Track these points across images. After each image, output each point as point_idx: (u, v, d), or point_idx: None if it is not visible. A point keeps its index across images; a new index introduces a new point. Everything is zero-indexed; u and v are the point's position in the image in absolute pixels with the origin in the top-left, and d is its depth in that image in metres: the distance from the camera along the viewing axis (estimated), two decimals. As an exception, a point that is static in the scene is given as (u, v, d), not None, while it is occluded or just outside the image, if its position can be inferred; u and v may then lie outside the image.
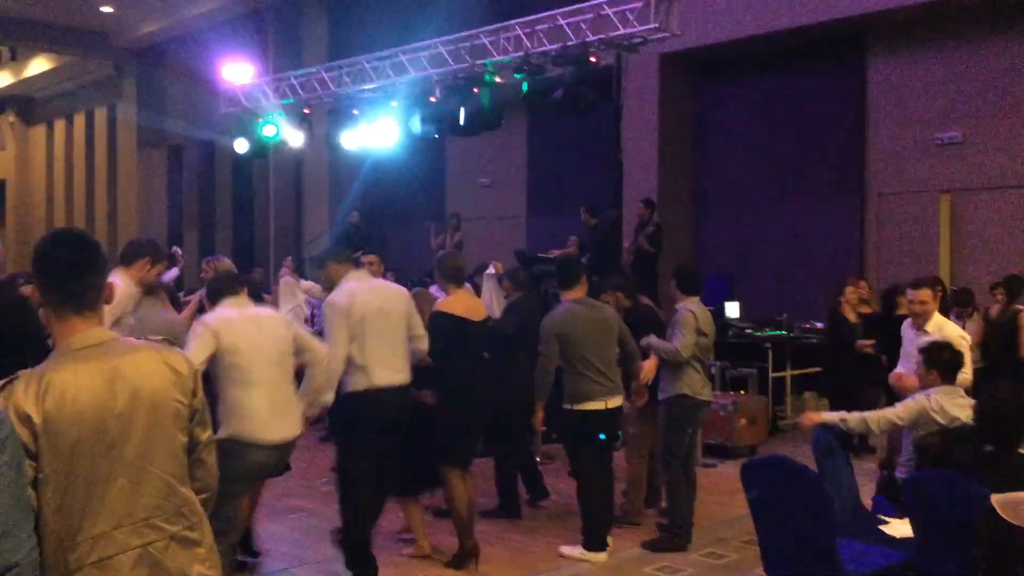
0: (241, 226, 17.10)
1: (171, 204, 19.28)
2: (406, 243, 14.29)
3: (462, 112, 9.66)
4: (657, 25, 8.27)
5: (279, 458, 4.25)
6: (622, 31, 8.50)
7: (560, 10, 9.08)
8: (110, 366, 2.02)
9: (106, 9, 16.95)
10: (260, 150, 12.41)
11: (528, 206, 13.80)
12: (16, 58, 21.07)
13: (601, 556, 5.27)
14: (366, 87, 10.96)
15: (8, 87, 22.22)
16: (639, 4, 8.35)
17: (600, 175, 11.44)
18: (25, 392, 1.92)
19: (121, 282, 4.35)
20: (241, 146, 12.45)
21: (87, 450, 1.95)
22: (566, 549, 5.36)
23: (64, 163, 23.04)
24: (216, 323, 4.09)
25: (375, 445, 4.62)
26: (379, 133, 10.85)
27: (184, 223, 18.74)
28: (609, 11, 8.59)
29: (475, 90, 9.56)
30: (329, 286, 4.89)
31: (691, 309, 5.48)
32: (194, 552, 2.11)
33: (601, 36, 8.64)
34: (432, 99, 10.12)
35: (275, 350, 4.19)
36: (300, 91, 11.74)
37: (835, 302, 7.61)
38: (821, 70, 11.22)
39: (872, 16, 10.09)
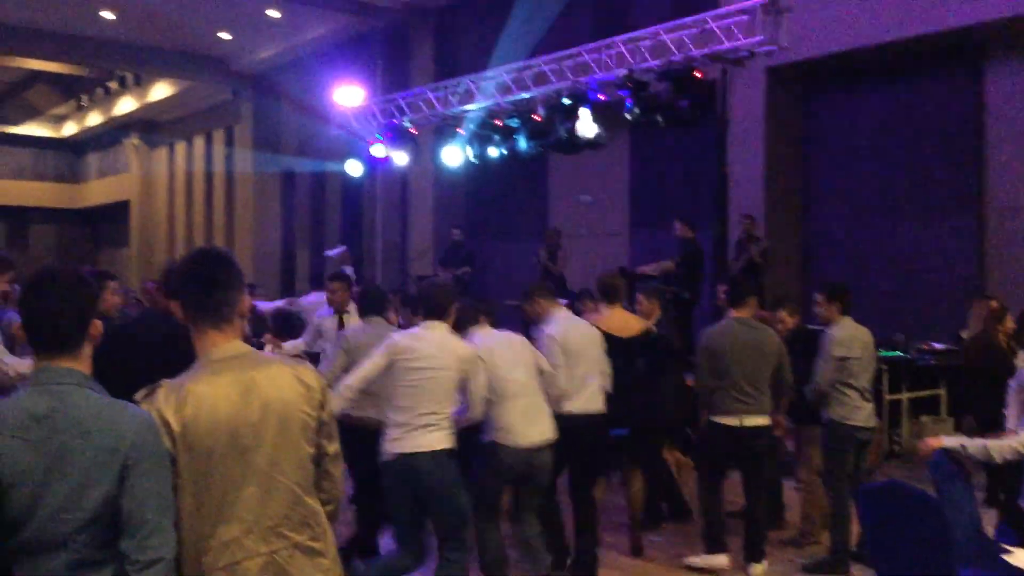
0: (350, 244, 17.56)
1: (284, 222, 19.94)
2: (507, 259, 14.43)
3: (565, 130, 9.73)
4: (764, 38, 8.17)
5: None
6: (727, 45, 8.43)
7: (663, 25, 9.06)
8: (246, 378, 2.13)
9: (224, 36, 17.71)
10: (368, 170, 12.79)
11: (631, 222, 13.74)
12: (140, 84, 22.18)
13: (722, 558, 5.38)
14: (470, 106, 11.15)
15: (133, 112, 23.40)
16: (745, 17, 8.27)
17: (704, 190, 11.32)
18: (166, 401, 2.05)
19: None
20: (351, 167, 12.85)
21: (221, 457, 2.07)
22: (692, 559, 5.49)
23: (184, 184, 24.10)
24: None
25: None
26: (482, 151, 11.02)
27: (296, 241, 19.35)
28: (714, 25, 8.54)
29: (578, 108, 9.62)
30: (535, 318, 5.38)
31: (832, 332, 5.54)
32: (317, 562, 2.20)
33: (706, 51, 8.58)
34: (535, 117, 10.22)
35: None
36: (407, 111, 12.04)
37: (992, 329, 6.83)
38: (936, 81, 10.84)
39: (990, 25, 9.70)
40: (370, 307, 5.26)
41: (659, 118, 8.80)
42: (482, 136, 10.98)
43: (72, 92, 23.40)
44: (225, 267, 2.22)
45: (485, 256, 13.97)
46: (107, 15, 16.34)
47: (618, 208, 13.80)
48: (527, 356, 4.79)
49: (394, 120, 12.20)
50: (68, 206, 28.58)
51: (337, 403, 4.06)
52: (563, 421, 4.82)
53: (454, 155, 11.31)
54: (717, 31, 8.46)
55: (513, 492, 4.86)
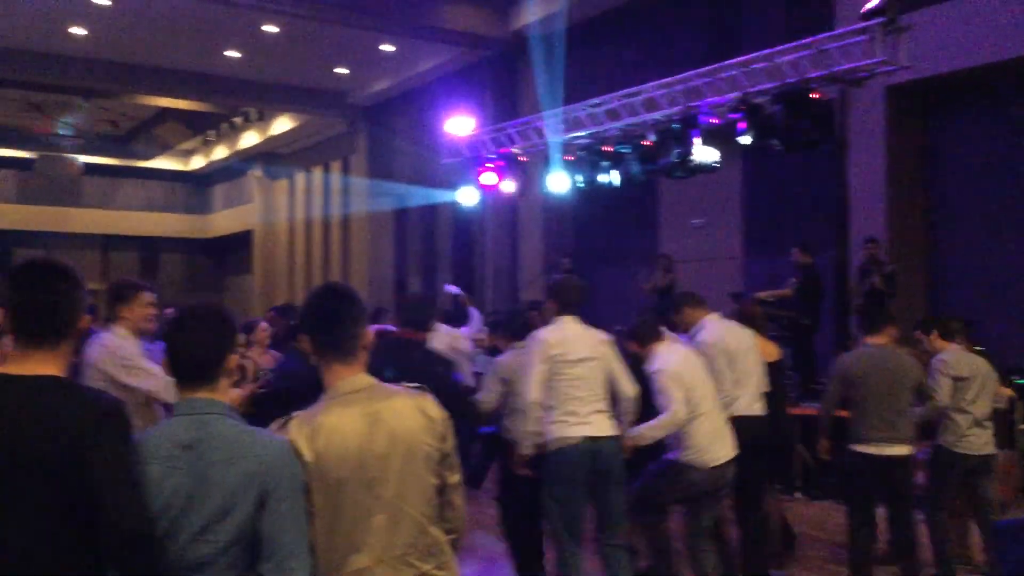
0: (461, 271, 17.80)
1: (397, 250, 20.38)
2: (617, 285, 14.35)
3: (677, 155, 9.65)
4: (884, 59, 7.93)
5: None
6: (845, 66, 8.21)
7: (778, 48, 8.89)
8: (372, 410, 2.20)
9: (341, 71, 18.32)
10: (479, 198, 12.99)
11: (745, 246, 13.49)
12: (263, 118, 23.13)
13: None
14: (580, 133, 11.19)
15: (256, 145, 24.40)
16: (864, 37, 8.04)
17: (822, 214, 11.03)
18: (299, 432, 2.13)
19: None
20: (462, 195, 13.07)
21: (351, 488, 2.13)
22: None
23: (303, 213, 24.93)
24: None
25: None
26: (591, 178, 11.03)
27: (409, 268, 19.75)
28: (831, 46, 8.33)
29: (690, 133, 9.53)
30: (685, 328, 5.41)
31: (940, 356, 5.48)
32: None
33: (822, 72, 8.38)
34: (645, 143, 10.18)
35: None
36: (516, 139, 12.17)
37: None
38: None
39: None
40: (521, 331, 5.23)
41: (775, 142, 8.63)
42: (591, 163, 11.00)
43: (199, 127, 24.57)
44: (348, 302, 2.31)
45: (593, 283, 13.94)
46: (232, 54, 17.14)
47: (731, 232, 13.57)
48: (704, 371, 4.87)
49: (504, 148, 12.35)
50: (196, 236, 29.93)
51: (531, 425, 4.34)
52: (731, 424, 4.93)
53: (560, 182, 11.37)
54: (834, 52, 8.25)
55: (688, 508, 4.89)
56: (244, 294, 28.39)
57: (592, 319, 9.47)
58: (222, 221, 29.38)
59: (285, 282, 25.64)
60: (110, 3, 14.35)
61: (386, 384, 2.32)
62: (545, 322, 4.83)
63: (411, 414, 2.24)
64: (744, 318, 5.81)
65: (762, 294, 9.90)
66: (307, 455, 2.10)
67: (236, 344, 2.16)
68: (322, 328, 2.27)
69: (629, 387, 4.61)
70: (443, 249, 18.80)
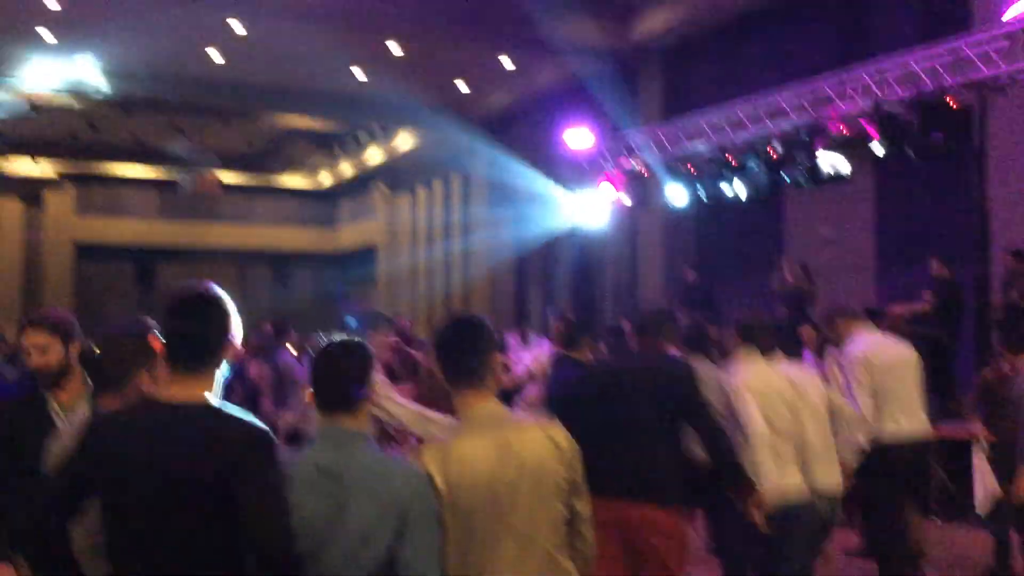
0: (580, 284, 17.79)
1: (516, 263, 20.52)
2: (740, 298, 14.03)
3: (805, 165, 9.41)
4: (1029, 63, 7.53)
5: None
6: (986, 73, 7.82)
7: (912, 53, 8.56)
8: (502, 438, 2.23)
9: (461, 86, 18.64)
10: (598, 211, 12.96)
11: (877, 257, 12.98)
12: (386, 135, 23.74)
13: None
14: (701, 144, 11.04)
15: (379, 161, 25.06)
16: (1005, 43, 7.65)
17: (961, 224, 10.51)
18: (432, 459, 2.18)
19: None
20: (581, 208, 13.08)
21: (481, 516, 2.16)
22: None
23: (425, 226, 25.41)
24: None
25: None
26: (714, 189, 10.86)
27: (529, 280, 19.86)
28: (969, 51, 7.96)
29: (818, 142, 9.27)
30: (838, 341, 5.25)
31: None
32: None
33: (960, 79, 8.01)
34: (772, 153, 9.96)
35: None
36: (636, 151, 12.09)
37: None
38: None
39: None
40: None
41: (910, 151, 8.29)
42: (714, 174, 10.83)
43: (327, 145, 25.43)
44: (477, 331, 2.35)
45: (717, 294, 13.68)
46: (358, 74, 17.68)
47: (863, 242, 13.09)
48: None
49: (624, 160, 12.29)
50: (324, 250, 30.93)
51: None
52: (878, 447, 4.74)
53: (679, 194, 11.24)
54: (974, 57, 7.87)
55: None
56: (370, 306, 29.09)
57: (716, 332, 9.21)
58: (348, 236, 30.24)
59: (408, 294, 26.16)
60: (245, 30, 15.02)
61: (516, 413, 2.35)
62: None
63: (541, 443, 2.25)
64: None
65: (897, 309, 9.50)
66: (439, 483, 2.14)
67: (372, 374, 2.23)
68: (452, 356, 2.32)
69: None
70: (563, 261, 18.82)
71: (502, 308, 20.13)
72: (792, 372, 4.29)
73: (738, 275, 14.75)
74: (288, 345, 8.83)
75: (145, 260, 28.65)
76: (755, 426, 3.91)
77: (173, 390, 2.13)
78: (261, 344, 9.38)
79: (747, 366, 4.16)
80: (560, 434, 2.31)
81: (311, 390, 2.19)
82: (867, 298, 12.12)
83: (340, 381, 2.17)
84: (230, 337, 2.23)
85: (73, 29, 15.07)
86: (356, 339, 2.26)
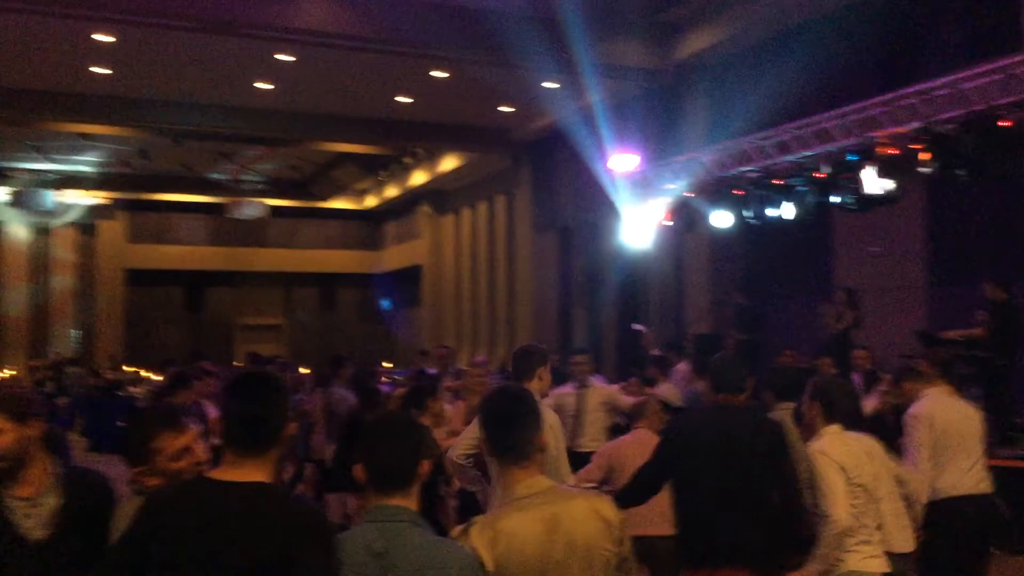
0: (625, 306, 17.69)
1: (562, 284, 20.50)
2: (791, 317, 13.85)
3: (851, 187, 9.28)
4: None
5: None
6: (1039, 92, 7.67)
7: (962, 73, 8.40)
8: (549, 514, 2.21)
9: (505, 109, 18.71)
10: (643, 234, 12.91)
11: (928, 276, 12.73)
12: (430, 157, 23.91)
13: None
14: (747, 167, 10.95)
15: (424, 183, 25.24)
16: (1059, 60, 7.50)
17: (1017, 245, 10.28)
18: (479, 537, 2.17)
19: None
20: (627, 230, 13.03)
21: (532, 594, 2.14)
22: None
23: (469, 247, 25.52)
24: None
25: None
26: (761, 212, 10.75)
27: (573, 302, 19.82)
28: (1020, 70, 7.81)
29: (866, 164, 9.14)
30: (907, 401, 5.31)
31: None
32: None
33: (1012, 99, 7.85)
34: (819, 176, 9.84)
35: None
36: (682, 174, 12.03)
37: None
38: None
39: None
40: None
41: (961, 172, 8.14)
42: (761, 197, 10.73)
43: (372, 168, 25.67)
44: (523, 405, 2.33)
45: (764, 315, 13.52)
46: (402, 99, 17.85)
47: (913, 261, 12.85)
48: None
49: (669, 183, 12.23)
50: (369, 271, 31.21)
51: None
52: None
53: (724, 218, 11.16)
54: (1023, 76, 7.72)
55: None
56: (414, 327, 29.28)
57: (766, 353, 9.11)
58: (393, 256, 30.49)
59: (452, 315, 26.26)
60: (293, 59, 15.25)
61: (563, 487, 2.33)
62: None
63: (588, 518, 2.23)
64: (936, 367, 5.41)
65: (951, 333, 9.30)
66: (488, 562, 2.12)
67: (427, 451, 2.22)
68: (499, 431, 2.30)
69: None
70: (608, 285, 18.74)
71: (546, 330, 20.10)
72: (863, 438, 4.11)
73: (786, 299, 14.56)
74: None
75: (194, 284, 29.16)
76: (838, 512, 3.75)
77: (232, 471, 2.16)
78: (320, 376, 9.49)
79: (831, 439, 3.94)
80: (608, 508, 2.28)
81: (360, 465, 2.17)
82: (917, 316, 11.90)
83: (390, 460, 2.15)
84: (287, 418, 2.24)
85: (126, 64, 15.45)
86: (406, 415, 2.26)
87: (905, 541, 4.25)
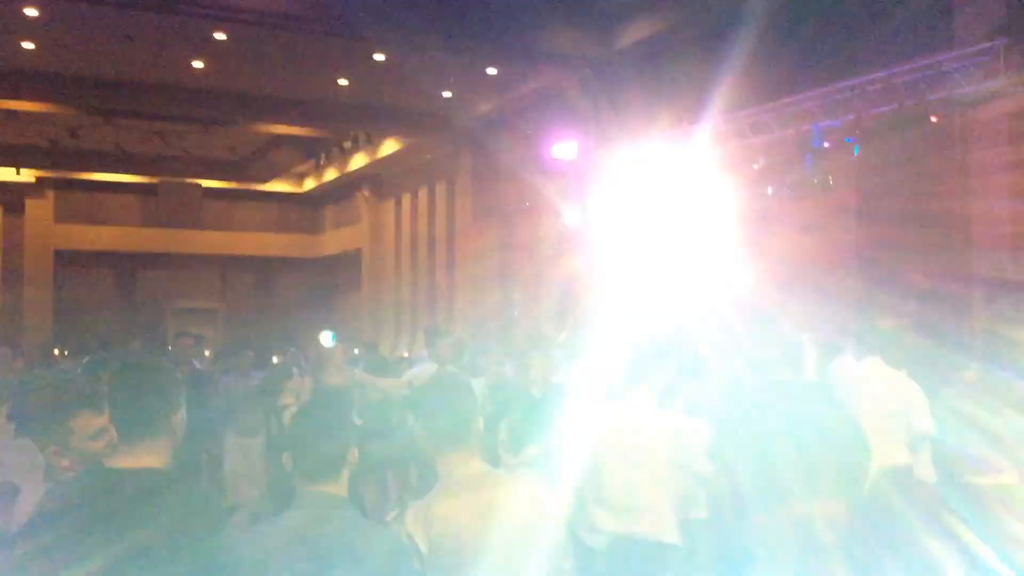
0: (565, 293, 17.76)
1: (501, 270, 20.50)
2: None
3: (787, 179, 9.46)
4: (1008, 81, 7.58)
5: None
6: (967, 89, 7.88)
7: (895, 68, 8.61)
8: (484, 498, 2.20)
9: (446, 94, 18.59)
10: (583, 219, 12.99)
11: (858, 269, 13.01)
12: (371, 142, 23.66)
13: None
14: (688, 157, 11.08)
15: (364, 167, 24.99)
16: (987, 58, 7.71)
17: (942, 236, 10.57)
18: (414, 521, 2.15)
19: None
20: (566, 217, 13.10)
21: (466, 577, 2.13)
22: None
23: (410, 233, 25.38)
24: None
25: None
26: (699, 202, 10.91)
27: (514, 287, 19.85)
28: (951, 67, 8.02)
29: (801, 156, 9.33)
30: None
31: None
32: None
33: (942, 95, 8.07)
34: (755, 167, 10.01)
35: None
36: (624, 161, 12.12)
37: None
38: None
39: None
40: None
41: (891, 164, 8.35)
42: (699, 185, 10.88)
43: (312, 151, 25.32)
44: (460, 392, 2.32)
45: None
46: (342, 82, 17.62)
47: (844, 255, 13.13)
48: None
49: (609, 170, 12.32)
50: (308, 255, 30.83)
51: None
52: None
53: (665, 205, 11.28)
54: (954, 73, 7.93)
55: None
56: (353, 312, 29.04)
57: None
58: (332, 241, 30.18)
59: (392, 300, 26.12)
60: (227, 38, 14.94)
61: (498, 471, 2.33)
62: None
63: (524, 501, 2.23)
64: None
65: (879, 323, 9.54)
66: (422, 546, 2.11)
67: (356, 439, 2.20)
68: (434, 417, 2.29)
69: None
70: (547, 270, 18.81)
71: (486, 315, 20.10)
72: None
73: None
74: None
75: (126, 267, 28.49)
76: None
77: (124, 459, 2.17)
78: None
79: None
80: (543, 491, 2.29)
81: (287, 453, 2.14)
82: (848, 313, 12.17)
83: (323, 447, 2.12)
84: (175, 405, 2.24)
85: (56, 39, 14.97)
86: (334, 400, 2.24)
87: None
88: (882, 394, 5.19)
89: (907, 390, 5.25)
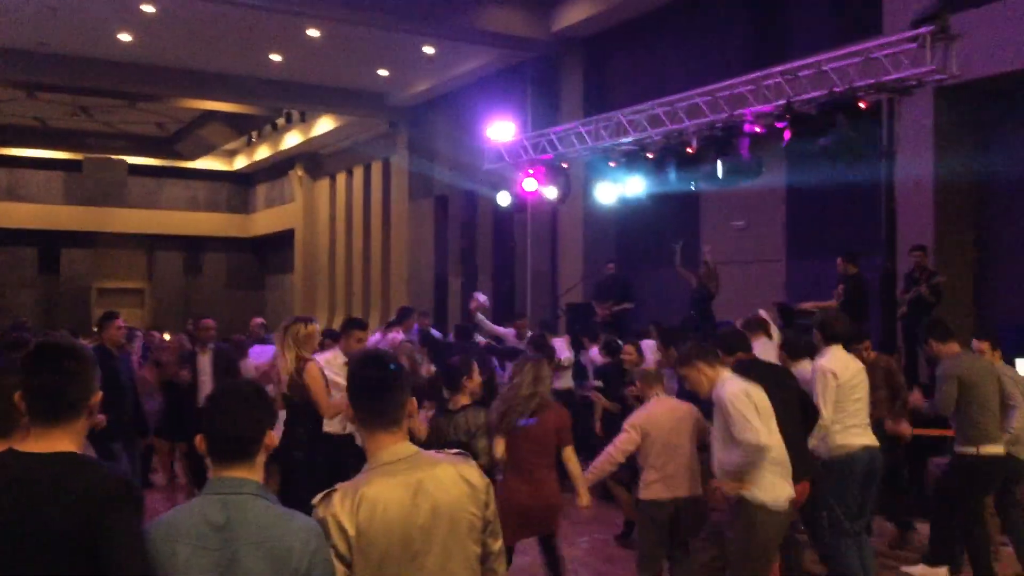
0: (500, 274, 17.80)
1: (437, 251, 20.43)
2: (658, 290, 14.23)
3: (720, 163, 9.55)
4: (934, 67, 7.76)
5: None
6: (894, 75, 8.05)
7: (825, 55, 8.75)
8: (414, 480, 2.17)
9: (382, 72, 18.38)
10: (519, 202, 12.96)
11: (788, 251, 13.30)
12: (304, 119, 23.30)
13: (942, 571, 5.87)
14: (622, 140, 11.11)
15: (297, 145, 24.61)
16: (913, 45, 7.88)
17: (869, 220, 10.83)
18: (341, 505, 2.11)
19: None
20: (503, 199, 13.06)
21: (395, 560, 2.11)
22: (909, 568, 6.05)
23: (344, 212, 25.10)
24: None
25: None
26: (634, 185, 10.96)
27: (449, 268, 19.79)
28: (879, 54, 8.17)
29: (734, 140, 9.42)
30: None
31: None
32: None
33: (870, 81, 8.22)
34: (689, 150, 10.08)
35: None
36: (558, 145, 12.10)
37: None
38: None
39: None
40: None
41: (821, 150, 8.49)
42: (633, 169, 10.92)
43: (243, 128, 24.82)
44: (392, 371, 2.28)
45: (636, 286, 13.83)
46: (275, 58, 17.28)
47: (774, 236, 13.39)
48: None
49: (545, 154, 12.30)
50: (238, 235, 30.27)
51: None
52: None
53: (607, 191, 11.31)
54: (883, 60, 8.09)
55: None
56: (285, 292, 28.65)
57: (636, 321, 9.39)
58: (264, 220, 29.70)
59: (326, 281, 25.84)
60: (155, 10, 14.51)
61: (428, 452, 2.30)
62: None
63: (454, 483, 2.21)
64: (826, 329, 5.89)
65: (807, 305, 9.75)
66: (350, 528, 2.08)
67: (274, 421, 2.15)
68: (366, 397, 2.25)
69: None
70: (483, 252, 18.80)
71: (422, 293, 20.03)
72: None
73: (656, 266, 14.94)
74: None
75: (48, 245, 27.60)
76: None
77: (36, 443, 2.10)
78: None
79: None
80: (474, 472, 2.27)
81: (200, 436, 2.09)
82: (778, 289, 12.43)
83: (233, 428, 2.07)
84: (91, 386, 2.19)
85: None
86: (251, 383, 2.17)
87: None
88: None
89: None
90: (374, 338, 9.37)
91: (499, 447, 4.79)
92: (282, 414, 5.33)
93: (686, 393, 5.32)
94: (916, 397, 6.49)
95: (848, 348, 5.82)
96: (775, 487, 4.40)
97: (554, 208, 14.83)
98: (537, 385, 4.85)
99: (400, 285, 21.25)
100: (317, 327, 5.78)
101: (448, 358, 5.67)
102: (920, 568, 5.98)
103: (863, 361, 6.44)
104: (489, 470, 4.60)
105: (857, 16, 11.39)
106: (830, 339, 5.56)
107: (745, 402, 4.30)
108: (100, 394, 2.19)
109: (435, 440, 4.54)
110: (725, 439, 4.40)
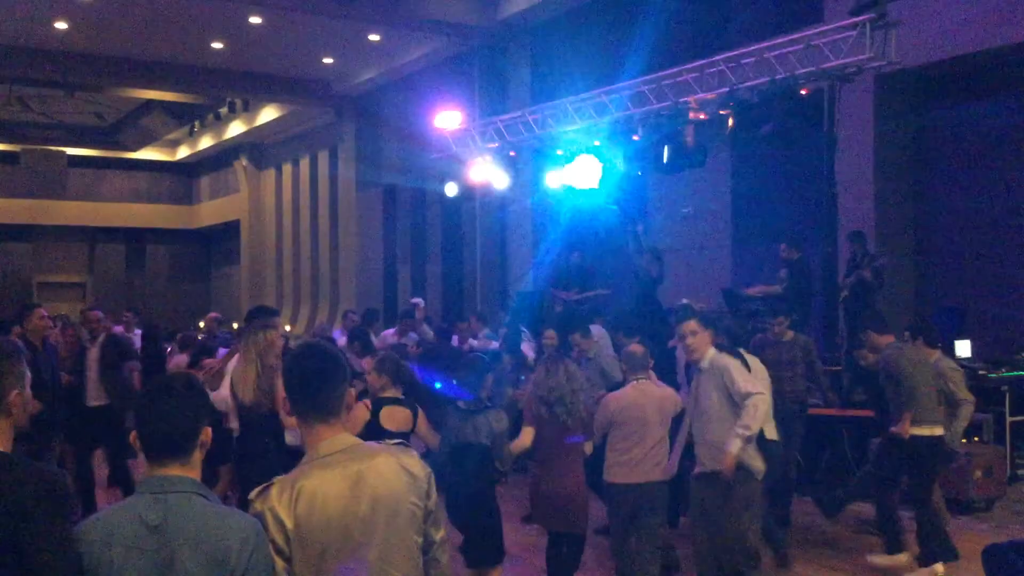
0: (450, 263, 17.74)
1: (386, 241, 20.29)
2: (607, 277, 14.30)
3: (666, 150, 9.62)
4: (873, 54, 7.89)
5: None
6: (835, 62, 8.17)
7: (767, 43, 8.84)
8: (354, 471, 2.15)
9: (327, 60, 18.17)
10: (467, 190, 12.93)
11: (733, 238, 13.45)
12: (249, 109, 22.94)
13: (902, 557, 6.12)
14: (569, 128, 11.12)
15: (242, 135, 24.23)
16: (853, 33, 8.00)
17: (811, 206, 11.00)
18: (279, 498, 2.08)
19: None
20: (451, 189, 13.01)
21: (334, 553, 2.08)
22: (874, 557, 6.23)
23: (291, 203, 24.80)
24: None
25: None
26: (582, 172, 10.97)
27: (398, 258, 19.68)
28: (820, 41, 8.29)
29: (679, 127, 9.49)
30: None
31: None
32: None
33: (811, 68, 8.33)
34: (635, 138, 10.13)
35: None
36: (506, 134, 12.08)
37: None
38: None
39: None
40: None
41: (763, 137, 8.60)
42: (579, 157, 10.94)
43: (185, 118, 24.35)
44: (330, 363, 2.25)
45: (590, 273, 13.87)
46: (217, 46, 16.97)
47: (720, 224, 13.54)
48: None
49: (493, 142, 12.27)
50: (182, 226, 29.75)
51: None
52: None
53: (555, 179, 11.31)
54: (823, 47, 8.20)
55: None
56: (231, 284, 28.26)
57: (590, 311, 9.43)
58: (209, 211, 29.22)
59: (272, 272, 25.53)
60: (92, -3, 14.18)
61: (368, 443, 2.28)
62: None
63: (394, 473, 2.19)
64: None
65: (751, 290, 9.87)
66: (288, 522, 2.05)
67: (209, 416, 2.10)
68: (303, 389, 2.21)
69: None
70: (432, 241, 18.72)
71: (371, 284, 19.90)
72: None
73: (604, 256, 15.00)
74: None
75: (-14, 239, 26.90)
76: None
77: None
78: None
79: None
80: (414, 462, 2.25)
81: (135, 433, 2.04)
82: (724, 275, 12.57)
83: (165, 426, 2.02)
84: (14, 384, 2.16)
85: None
86: (185, 378, 2.12)
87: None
88: None
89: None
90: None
91: (527, 436, 4.95)
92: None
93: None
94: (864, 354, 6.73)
95: (762, 325, 6.11)
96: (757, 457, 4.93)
97: (503, 197, 14.81)
98: (572, 383, 4.99)
99: (349, 276, 21.08)
100: (278, 332, 5.63)
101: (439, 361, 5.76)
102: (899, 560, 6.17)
103: (776, 337, 7.09)
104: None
105: (798, 4, 11.53)
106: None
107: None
108: (18, 392, 2.14)
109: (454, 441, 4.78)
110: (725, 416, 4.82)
